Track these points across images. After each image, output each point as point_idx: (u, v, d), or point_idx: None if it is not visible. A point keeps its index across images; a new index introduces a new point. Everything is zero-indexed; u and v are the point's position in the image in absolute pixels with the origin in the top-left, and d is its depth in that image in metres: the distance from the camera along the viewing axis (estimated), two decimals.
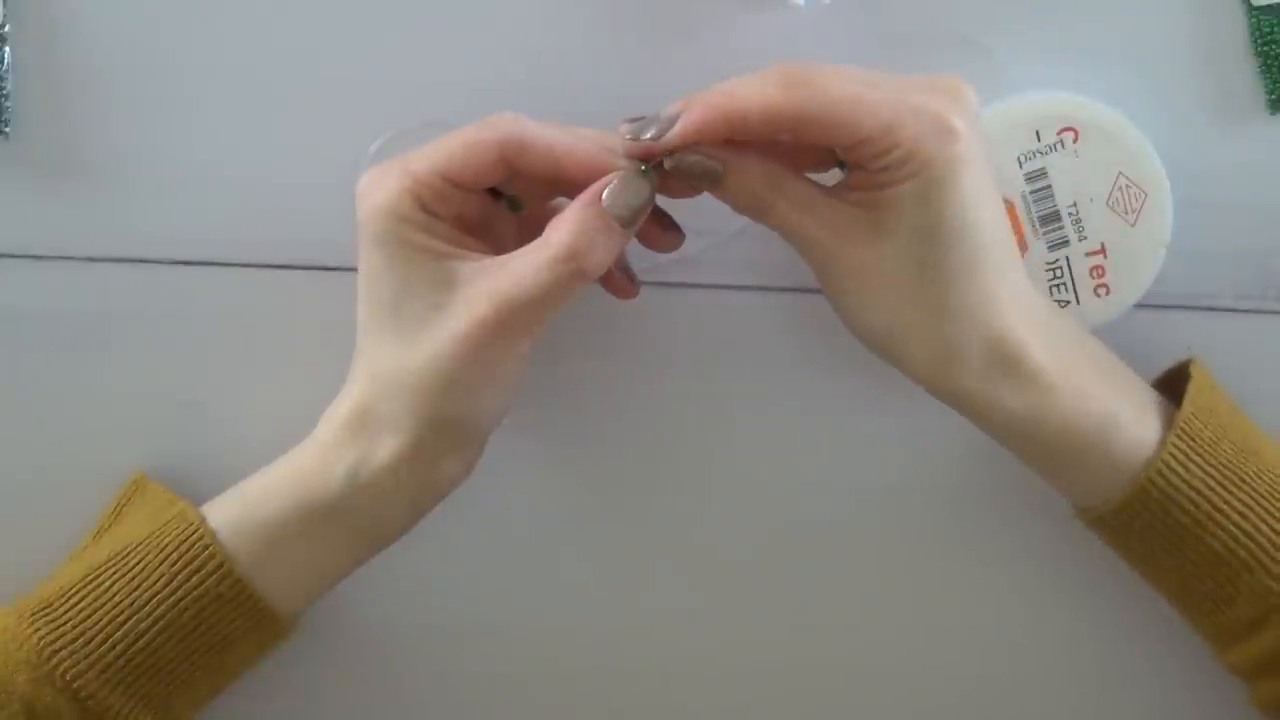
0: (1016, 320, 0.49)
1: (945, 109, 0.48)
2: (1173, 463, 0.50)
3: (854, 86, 0.48)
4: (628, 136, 0.50)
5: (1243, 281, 0.58)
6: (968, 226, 0.48)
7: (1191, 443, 0.50)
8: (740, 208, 0.51)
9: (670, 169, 0.49)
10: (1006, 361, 0.49)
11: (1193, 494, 0.50)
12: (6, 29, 0.57)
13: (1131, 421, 0.50)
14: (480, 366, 0.50)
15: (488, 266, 0.50)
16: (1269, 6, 0.56)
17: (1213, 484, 0.50)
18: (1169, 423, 0.51)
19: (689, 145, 0.49)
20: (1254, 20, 0.57)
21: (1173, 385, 0.54)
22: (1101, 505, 0.51)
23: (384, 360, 0.50)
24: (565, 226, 0.49)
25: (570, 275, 0.49)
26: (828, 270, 0.50)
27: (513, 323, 0.49)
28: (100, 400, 0.59)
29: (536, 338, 0.51)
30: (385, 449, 0.50)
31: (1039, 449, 0.51)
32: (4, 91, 0.57)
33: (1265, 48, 0.56)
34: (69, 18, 0.57)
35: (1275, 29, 0.56)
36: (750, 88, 0.48)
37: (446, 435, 0.50)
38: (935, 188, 0.47)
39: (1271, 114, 0.57)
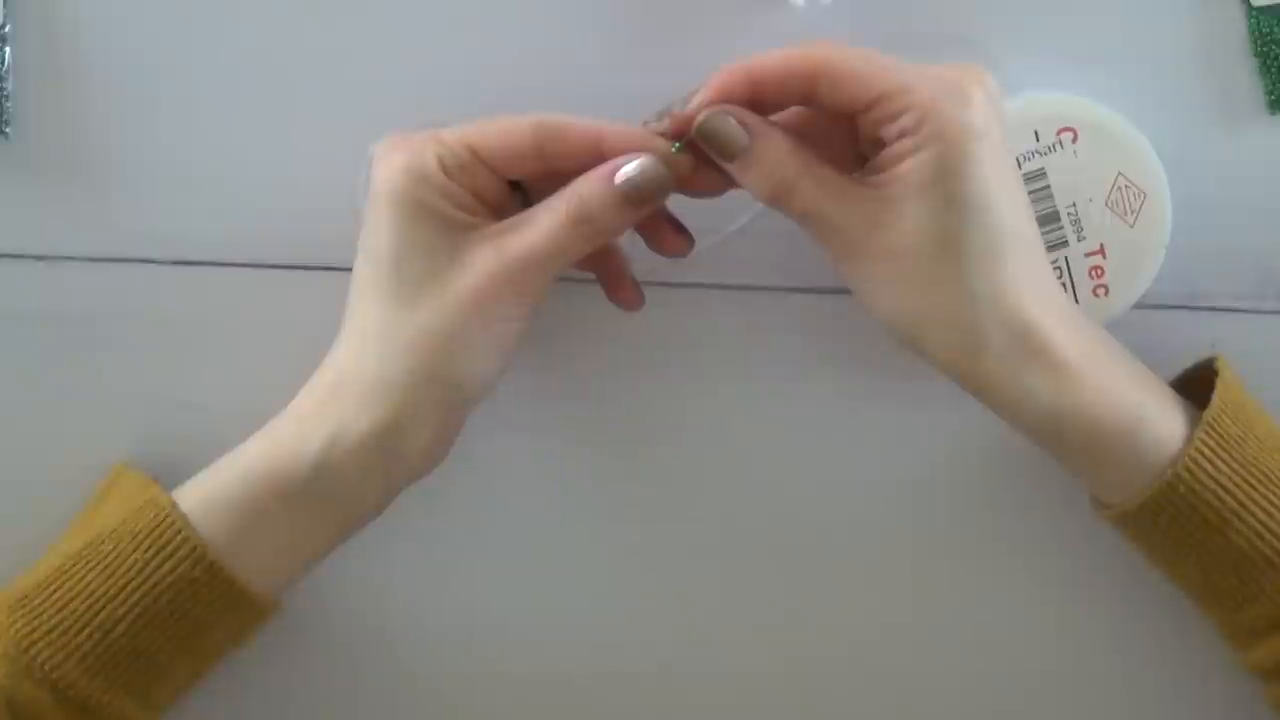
0: (1042, 309, 0.49)
1: (961, 79, 0.48)
2: (1200, 459, 0.49)
3: (870, 51, 0.48)
4: (652, 122, 0.51)
5: (1242, 281, 0.58)
6: (988, 203, 0.48)
7: (1219, 439, 0.50)
8: (764, 188, 0.50)
9: (696, 132, 0.49)
10: (1032, 349, 0.48)
11: (1219, 490, 0.50)
12: (6, 29, 0.57)
13: (1157, 416, 0.50)
14: (482, 326, 0.50)
15: (495, 229, 0.51)
16: (1269, 6, 0.56)
17: (1239, 481, 0.50)
18: (1192, 419, 0.51)
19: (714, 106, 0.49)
20: (1254, 20, 0.57)
21: (1190, 384, 0.53)
22: (1126, 501, 0.51)
23: (377, 320, 0.51)
24: (579, 192, 0.50)
25: (579, 237, 0.50)
26: (850, 257, 0.50)
27: (519, 279, 0.50)
28: (100, 400, 0.59)
29: (539, 299, 0.51)
30: (368, 415, 0.50)
31: (1063, 441, 0.50)
32: (4, 92, 0.57)
33: (1265, 48, 0.56)
34: (69, 18, 0.57)
35: (1275, 29, 0.56)
36: (768, 53, 0.49)
37: (435, 396, 0.50)
38: (952, 158, 0.47)
39: (1271, 114, 0.57)
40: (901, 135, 0.48)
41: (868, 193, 0.49)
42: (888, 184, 0.48)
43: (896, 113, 0.47)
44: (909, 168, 0.48)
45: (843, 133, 0.51)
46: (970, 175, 0.47)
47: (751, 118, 0.50)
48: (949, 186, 0.47)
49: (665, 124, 0.50)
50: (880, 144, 0.49)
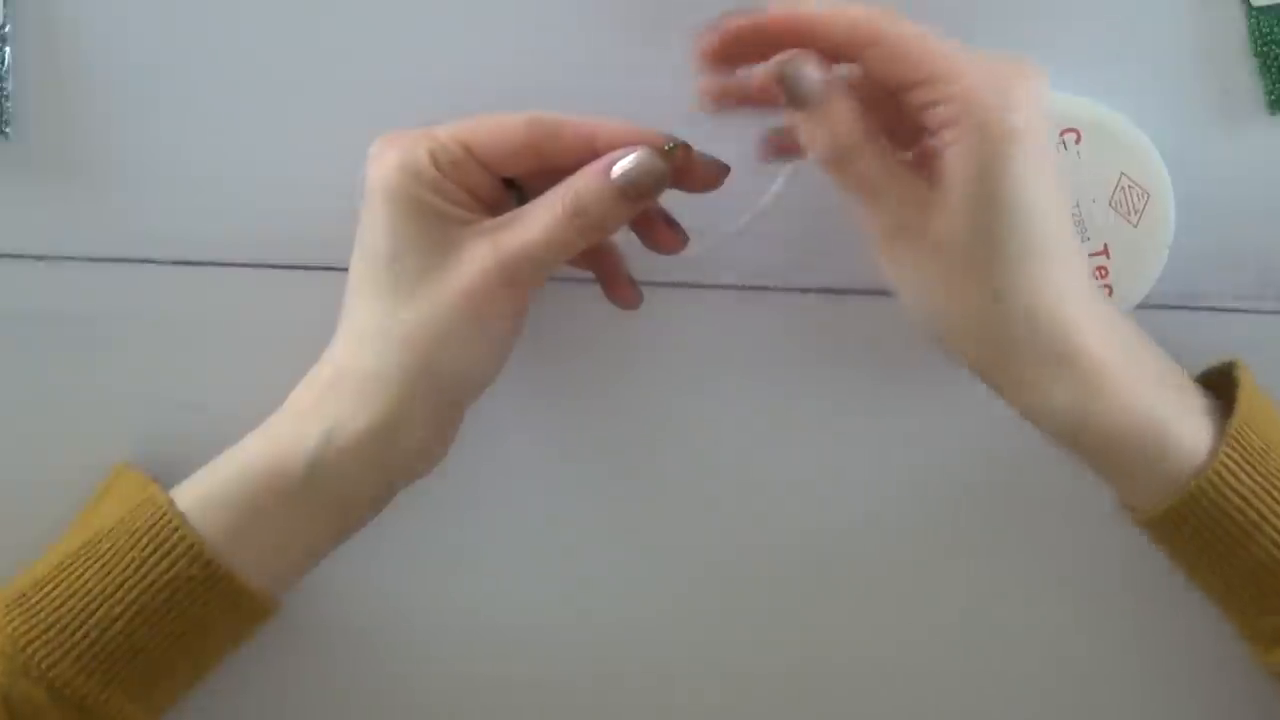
0: (1078, 311, 0.48)
1: (1009, 74, 0.47)
2: (1224, 472, 0.49)
3: (926, 30, 0.48)
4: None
5: (1243, 281, 0.58)
6: (1025, 205, 0.47)
7: (1243, 452, 0.49)
8: (827, 146, 0.49)
9: (775, 74, 0.48)
10: (1064, 353, 0.48)
11: (1241, 503, 0.49)
12: (6, 29, 0.57)
13: (1182, 426, 0.49)
14: (478, 322, 0.50)
15: (491, 225, 0.51)
16: (1269, 7, 0.56)
17: (1260, 492, 0.49)
18: (1219, 427, 0.50)
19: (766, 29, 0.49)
20: (1254, 20, 0.57)
21: (1212, 384, 0.53)
22: (1150, 507, 0.51)
23: (373, 317, 0.51)
24: (575, 187, 0.50)
25: (575, 231, 0.50)
26: (894, 238, 0.49)
27: (516, 274, 0.50)
28: (100, 400, 0.59)
29: (536, 285, 0.51)
30: (365, 412, 0.50)
31: (1088, 446, 0.50)
32: (4, 92, 0.57)
33: (1265, 48, 0.57)
34: (69, 18, 0.57)
35: (1275, 29, 0.56)
36: (829, 7, 0.48)
37: (431, 392, 0.50)
38: (991, 157, 0.46)
39: (1271, 114, 0.57)
40: (943, 125, 0.47)
41: (915, 178, 0.49)
42: (932, 171, 0.48)
43: (938, 100, 0.47)
44: (951, 159, 0.47)
45: (888, 107, 0.50)
46: (1008, 176, 0.47)
47: (828, 72, 0.48)
48: (987, 185, 0.47)
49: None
50: (922, 128, 0.48)
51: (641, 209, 0.51)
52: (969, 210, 0.47)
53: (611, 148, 0.51)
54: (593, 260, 0.55)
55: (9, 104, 0.57)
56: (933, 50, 0.47)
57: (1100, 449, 0.50)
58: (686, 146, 0.51)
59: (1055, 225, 0.48)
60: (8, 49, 0.57)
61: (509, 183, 0.54)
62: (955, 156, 0.47)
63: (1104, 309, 0.50)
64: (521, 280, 0.51)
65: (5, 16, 0.57)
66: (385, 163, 0.51)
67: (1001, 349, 0.48)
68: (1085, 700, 0.60)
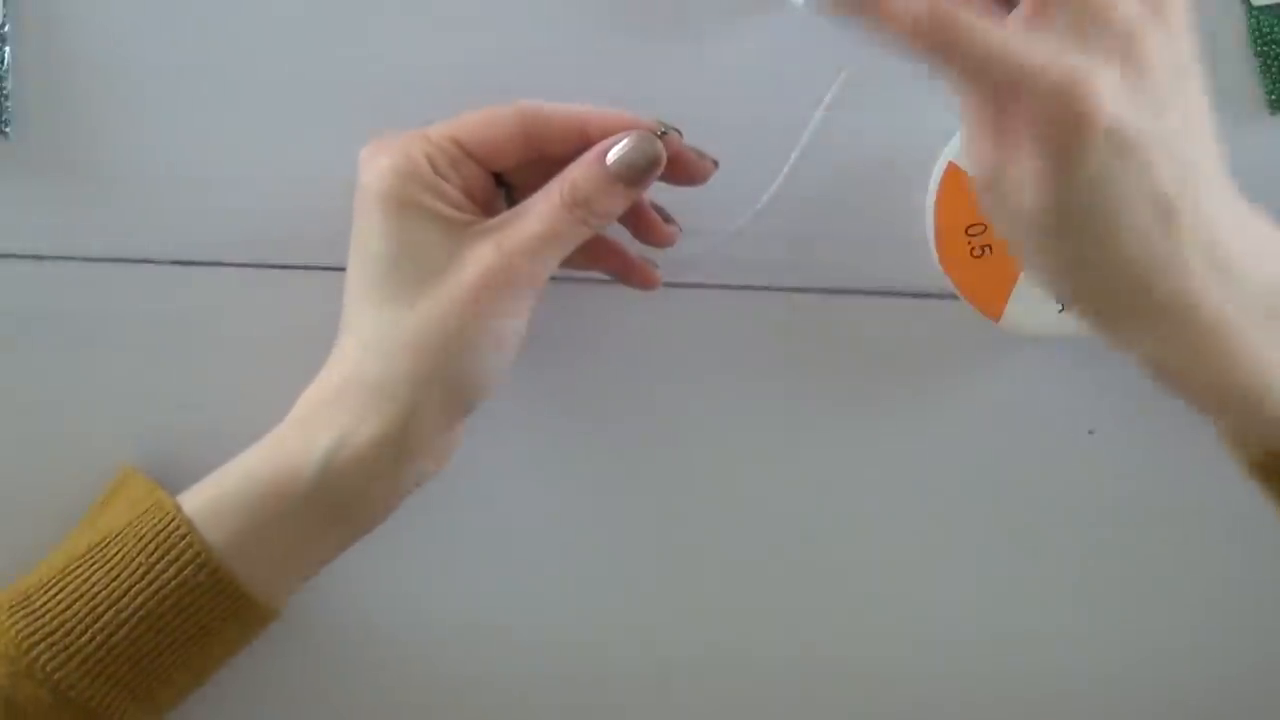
0: (1190, 276, 0.43)
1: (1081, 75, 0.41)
2: None
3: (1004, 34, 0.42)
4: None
5: None
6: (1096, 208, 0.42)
7: None
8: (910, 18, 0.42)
9: None
10: (1171, 321, 0.43)
11: None
12: (6, 29, 0.57)
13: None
14: (482, 323, 0.50)
15: (491, 224, 0.51)
16: (1269, 6, 0.56)
17: None
18: None
19: None
20: (1254, 20, 0.57)
21: None
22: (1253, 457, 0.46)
23: (376, 325, 0.51)
24: (570, 178, 0.50)
25: (574, 223, 0.50)
26: (983, 138, 0.44)
27: (519, 271, 0.50)
28: (99, 400, 0.59)
29: (538, 293, 0.51)
30: (372, 420, 0.50)
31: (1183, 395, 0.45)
32: (4, 91, 0.57)
33: (1265, 48, 0.56)
34: (69, 18, 0.57)
35: (1275, 29, 0.56)
36: None
37: (438, 398, 0.50)
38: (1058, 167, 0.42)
39: (1271, 114, 0.57)
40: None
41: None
42: None
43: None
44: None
45: None
46: (1075, 184, 0.43)
47: None
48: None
49: None
50: None
51: (638, 194, 0.51)
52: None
53: (604, 136, 0.51)
54: (595, 255, 0.55)
55: (9, 104, 0.57)
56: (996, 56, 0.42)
57: (1198, 402, 0.45)
58: (678, 132, 0.52)
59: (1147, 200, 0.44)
60: (8, 49, 0.57)
61: (499, 181, 0.54)
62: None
63: (1237, 256, 0.45)
64: (525, 277, 0.51)
65: (5, 16, 0.57)
66: (378, 167, 0.51)
67: (1104, 303, 0.44)
68: (1085, 700, 0.60)
